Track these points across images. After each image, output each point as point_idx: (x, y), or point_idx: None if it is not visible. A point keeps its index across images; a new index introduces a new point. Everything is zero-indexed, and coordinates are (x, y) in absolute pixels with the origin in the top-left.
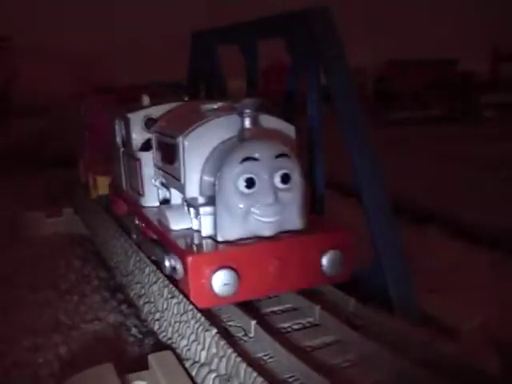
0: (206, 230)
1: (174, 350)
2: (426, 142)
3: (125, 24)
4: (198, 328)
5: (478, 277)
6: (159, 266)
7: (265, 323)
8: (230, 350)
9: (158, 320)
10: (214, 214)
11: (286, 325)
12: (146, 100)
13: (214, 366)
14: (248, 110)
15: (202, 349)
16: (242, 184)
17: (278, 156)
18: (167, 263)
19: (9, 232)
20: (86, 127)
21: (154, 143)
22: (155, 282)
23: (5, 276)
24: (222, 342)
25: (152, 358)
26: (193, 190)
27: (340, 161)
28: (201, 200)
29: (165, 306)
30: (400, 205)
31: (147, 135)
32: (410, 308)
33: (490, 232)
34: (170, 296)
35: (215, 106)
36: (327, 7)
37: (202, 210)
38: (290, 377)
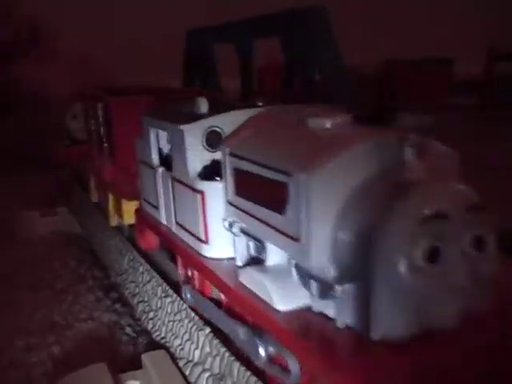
0: (344, 319)
1: (167, 349)
2: None
3: (125, 24)
4: (191, 327)
5: None
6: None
7: None
8: (223, 349)
9: (151, 319)
10: (362, 296)
11: None
12: (203, 105)
13: (207, 365)
14: (413, 135)
15: (196, 348)
16: (420, 255)
17: (469, 208)
18: (262, 352)
19: (6, 232)
20: (105, 135)
21: (226, 169)
22: (149, 281)
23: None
24: (216, 341)
25: (145, 358)
26: (320, 255)
27: None
28: (334, 271)
29: (159, 305)
30: None
31: (207, 155)
32: None
33: None
34: (163, 295)
35: (328, 124)
36: (324, 7)
37: (339, 288)
38: None
